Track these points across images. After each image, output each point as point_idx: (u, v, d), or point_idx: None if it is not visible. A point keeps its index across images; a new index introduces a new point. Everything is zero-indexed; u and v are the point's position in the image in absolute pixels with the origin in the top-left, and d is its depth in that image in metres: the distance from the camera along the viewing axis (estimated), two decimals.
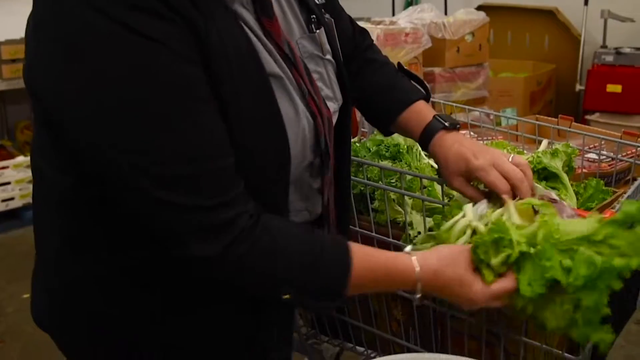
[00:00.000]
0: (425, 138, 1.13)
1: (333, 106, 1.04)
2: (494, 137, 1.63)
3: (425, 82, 1.25)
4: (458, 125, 1.14)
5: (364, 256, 0.93)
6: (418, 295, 0.94)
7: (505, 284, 0.93)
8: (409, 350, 1.32)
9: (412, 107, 1.17)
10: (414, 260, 0.94)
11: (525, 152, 1.43)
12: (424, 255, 0.95)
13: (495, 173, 1.03)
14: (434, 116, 1.13)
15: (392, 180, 1.29)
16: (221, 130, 0.82)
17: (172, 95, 0.77)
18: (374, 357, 0.99)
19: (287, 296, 0.87)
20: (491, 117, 1.77)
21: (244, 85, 0.84)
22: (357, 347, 1.45)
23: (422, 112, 1.16)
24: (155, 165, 0.78)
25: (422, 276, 0.93)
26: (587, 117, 4.29)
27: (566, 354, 1.12)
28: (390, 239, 1.26)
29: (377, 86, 1.22)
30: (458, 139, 1.10)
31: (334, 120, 1.05)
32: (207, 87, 0.80)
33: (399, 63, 1.26)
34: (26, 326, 2.66)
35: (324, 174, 1.02)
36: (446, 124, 1.11)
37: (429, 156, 1.27)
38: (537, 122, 1.62)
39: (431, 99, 1.75)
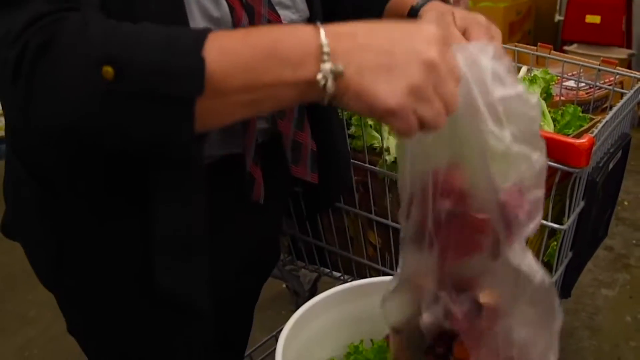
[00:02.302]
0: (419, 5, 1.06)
1: (290, 16, 0.94)
2: None
3: None
4: None
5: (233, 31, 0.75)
6: (327, 65, 0.61)
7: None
8: (385, 275, 1.34)
9: None
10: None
11: None
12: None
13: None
14: None
15: None
16: None
17: None
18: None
19: (108, 68, 0.61)
20: None
21: None
22: (334, 273, 1.47)
23: None
24: None
25: (328, 31, 0.63)
26: (566, 47, 4.28)
27: None
28: (367, 165, 1.26)
29: None
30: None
31: None
32: None
33: None
34: (3, 257, 2.65)
35: None
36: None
37: None
38: (516, 49, 1.61)
39: None
